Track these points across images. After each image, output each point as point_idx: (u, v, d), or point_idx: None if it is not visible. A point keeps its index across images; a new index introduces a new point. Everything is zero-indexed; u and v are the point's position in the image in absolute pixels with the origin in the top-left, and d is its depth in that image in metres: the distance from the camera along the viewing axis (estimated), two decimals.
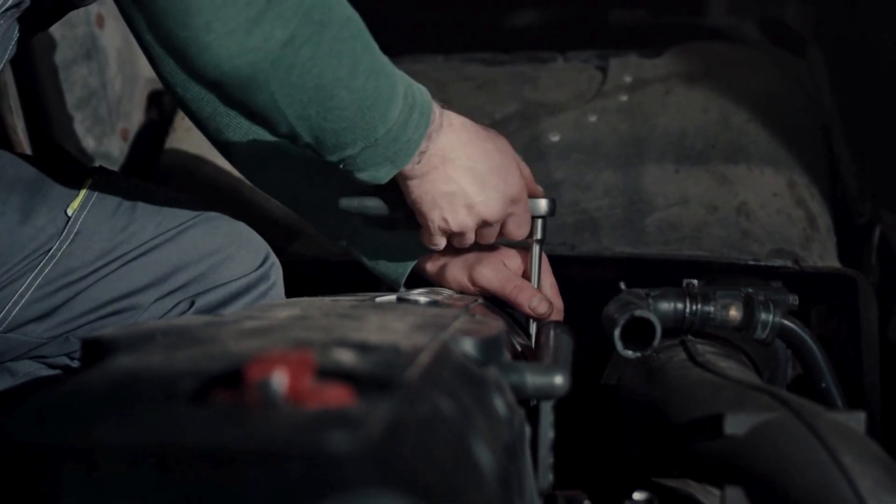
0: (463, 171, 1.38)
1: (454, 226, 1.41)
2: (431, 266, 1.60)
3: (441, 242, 1.45)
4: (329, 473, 0.55)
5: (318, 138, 1.25)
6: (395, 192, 1.40)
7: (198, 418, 0.62)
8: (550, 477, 1.03)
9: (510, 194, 1.43)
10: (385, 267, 1.61)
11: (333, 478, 0.55)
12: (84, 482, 0.56)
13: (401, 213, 1.45)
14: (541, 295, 1.53)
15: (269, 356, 0.65)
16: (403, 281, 1.61)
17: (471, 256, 1.56)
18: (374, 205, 1.45)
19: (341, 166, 1.30)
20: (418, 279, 1.62)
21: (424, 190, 1.38)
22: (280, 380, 0.62)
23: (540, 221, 1.54)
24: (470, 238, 1.46)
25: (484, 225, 1.43)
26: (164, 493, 0.55)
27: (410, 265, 1.60)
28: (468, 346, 0.92)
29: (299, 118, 1.21)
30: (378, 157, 1.29)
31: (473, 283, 1.56)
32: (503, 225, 1.47)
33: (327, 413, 0.61)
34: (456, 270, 1.57)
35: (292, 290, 1.63)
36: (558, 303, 1.58)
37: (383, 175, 1.32)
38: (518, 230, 1.49)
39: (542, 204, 1.52)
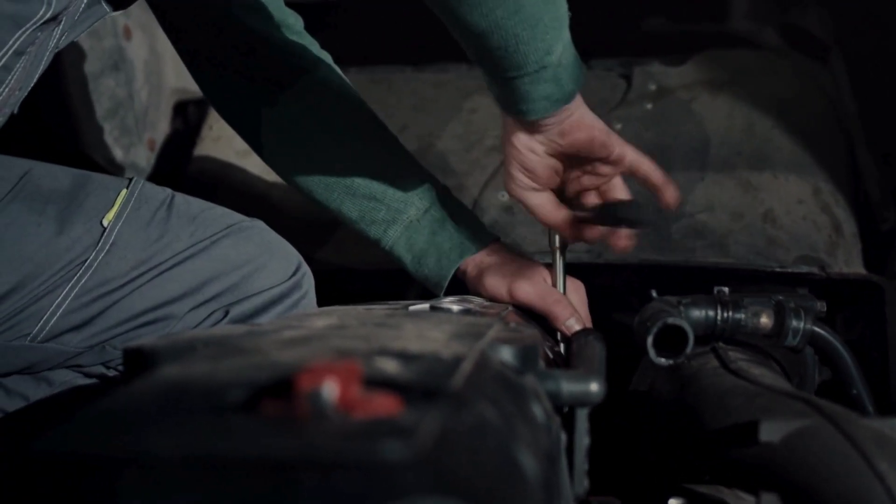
0: None
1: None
2: (472, 271, 1.62)
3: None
4: (383, 482, 0.56)
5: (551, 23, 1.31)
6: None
7: (250, 428, 0.62)
8: (586, 483, 1.04)
9: None
10: (428, 272, 1.63)
11: (388, 486, 0.55)
12: (139, 493, 0.56)
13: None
14: (578, 315, 1.55)
15: (318, 366, 0.66)
16: (445, 285, 1.63)
17: (512, 268, 1.59)
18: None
19: (556, 75, 1.36)
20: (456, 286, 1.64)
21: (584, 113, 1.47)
22: (331, 390, 0.63)
23: None
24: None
25: None
26: (219, 502, 0.56)
27: (452, 271, 1.62)
28: (506, 354, 0.93)
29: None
30: (572, 50, 1.38)
31: (512, 295, 1.58)
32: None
33: (378, 422, 0.62)
34: (496, 280, 1.59)
35: (323, 299, 1.64)
36: (588, 323, 1.60)
37: (580, 75, 1.41)
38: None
39: None
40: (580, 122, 1.46)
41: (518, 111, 1.42)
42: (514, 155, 1.50)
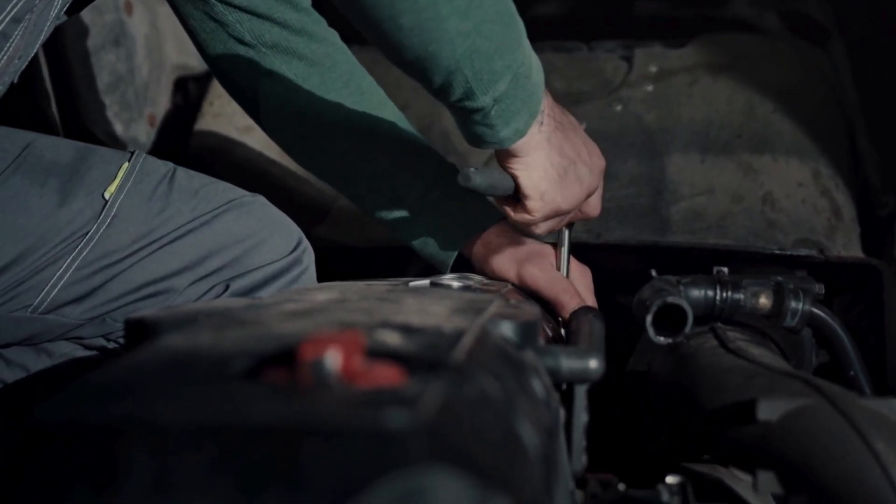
0: (570, 143, 1.44)
1: (566, 203, 1.46)
2: (479, 250, 1.62)
3: (544, 226, 1.49)
4: (386, 450, 0.56)
5: (476, 65, 1.23)
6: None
7: (254, 396, 0.62)
8: (584, 460, 1.04)
9: (600, 165, 1.52)
10: (433, 249, 1.63)
11: (391, 454, 0.56)
12: (146, 460, 0.57)
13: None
14: (584, 304, 1.55)
15: (322, 336, 0.66)
16: (451, 263, 1.63)
17: (522, 251, 1.59)
18: (501, 179, 1.43)
19: (486, 120, 1.31)
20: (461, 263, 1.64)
21: (538, 162, 1.41)
22: (334, 359, 0.63)
23: None
24: (565, 221, 1.53)
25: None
26: (225, 469, 0.56)
27: (458, 250, 1.62)
28: (506, 329, 0.93)
29: (461, 35, 1.20)
30: (519, 97, 1.30)
31: (521, 279, 1.58)
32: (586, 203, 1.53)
33: (381, 391, 0.62)
34: (505, 262, 1.59)
35: (323, 275, 1.64)
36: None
37: (523, 126, 1.34)
38: (598, 206, 1.58)
39: None
40: (531, 185, 1.43)
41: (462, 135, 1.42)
42: None
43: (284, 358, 0.68)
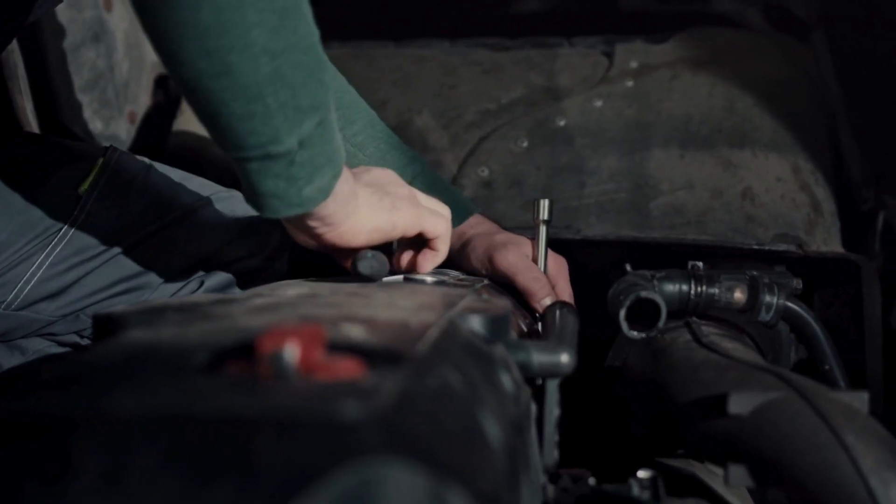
0: (375, 182, 1.31)
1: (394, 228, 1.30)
2: (455, 244, 1.61)
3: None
4: (340, 441, 0.56)
5: (281, 96, 1.05)
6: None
7: (211, 388, 0.62)
8: (556, 454, 1.04)
9: (417, 198, 1.36)
10: None
11: (344, 445, 0.56)
12: (101, 451, 0.56)
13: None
14: (554, 295, 1.54)
15: (280, 329, 0.66)
16: None
17: (498, 240, 1.58)
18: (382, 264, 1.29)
19: (288, 171, 1.11)
20: None
21: (353, 211, 1.24)
22: (292, 352, 0.63)
23: (546, 202, 1.57)
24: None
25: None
26: (179, 460, 0.56)
27: None
28: (475, 323, 0.93)
29: (267, 53, 1.02)
30: (324, 150, 1.13)
31: (494, 265, 1.56)
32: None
33: (338, 384, 0.62)
34: (478, 251, 1.58)
35: (299, 271, 1.64)
36: (571, 300, 1.59)
37: (327, 184, 1.15)
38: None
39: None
40: (350, 234, 1.25)
41: (252, 204, 1.17)
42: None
43: (245, 351, 0.68)
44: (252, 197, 1.15)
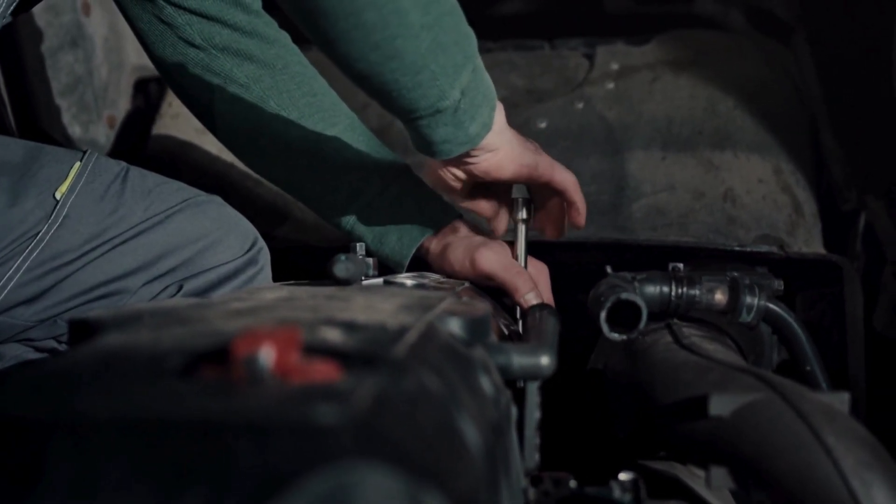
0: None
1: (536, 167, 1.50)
2: (435, 248, 1.61)
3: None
4: (314, 445, 0.55)
5: (441, 59, 1.23)
6: None
7: (185, 393, 0.62)
8: (537, 457, 1.04)
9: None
10: (389, 250, 1.62)
11: (319, 449, 0.55)
12: (71, 456, 0.56)
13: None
14: (537, 290, 1.54)
15: (256, 332, 0.65)
16: (406, 263, 1.62)
17: (476, 241, 1.58)
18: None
19: (454, 118, 1.30)
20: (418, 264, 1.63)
21: (507, 152, 1.45)
22: (267, 355, 0.63)
23: (524, 201, 1.57)
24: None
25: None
26: (151, 465, 0.55)
27: (414, 248, 1.61)
28: (455, 325, 0.92)
29: (424, 28, 1.19)
30: (480, 90, 1.32)
31: (475, 265, 1.57)
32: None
33: (313, 387, 0.61)
34: (459, 253, 1.58)
35: (280, 275, 1.63)
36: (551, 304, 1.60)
37: (487, 117, 1.35)
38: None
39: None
40: (502, 163, 1.46)
41: (425, 152, 1.39)
42: (437, 183, 1.58)
43: (221, 355, 0.67)
44: (424, 146, 1.37)
